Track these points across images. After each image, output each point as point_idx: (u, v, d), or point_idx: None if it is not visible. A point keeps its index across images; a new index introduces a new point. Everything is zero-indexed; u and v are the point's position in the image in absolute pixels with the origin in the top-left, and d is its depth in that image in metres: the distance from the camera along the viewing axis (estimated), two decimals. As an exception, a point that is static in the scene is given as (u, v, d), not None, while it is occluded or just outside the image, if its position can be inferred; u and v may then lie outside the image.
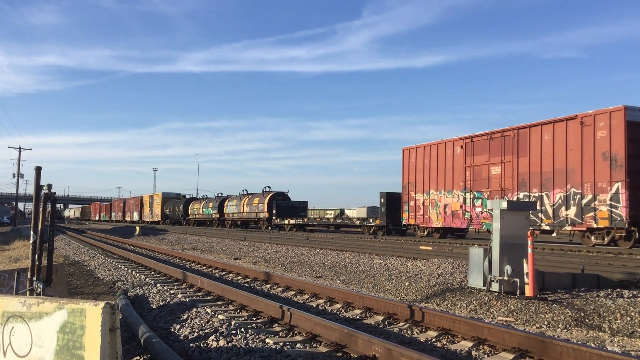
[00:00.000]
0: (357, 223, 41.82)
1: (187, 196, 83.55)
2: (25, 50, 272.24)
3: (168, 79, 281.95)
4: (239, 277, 14.14)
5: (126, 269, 16.14)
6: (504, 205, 10.47)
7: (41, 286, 7.23)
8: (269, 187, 56.44)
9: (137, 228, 45.95)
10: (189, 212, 72.28)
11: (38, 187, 7.54)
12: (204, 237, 34.57)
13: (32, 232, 7.40)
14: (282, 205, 52.41)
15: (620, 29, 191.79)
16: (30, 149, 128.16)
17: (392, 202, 35.37)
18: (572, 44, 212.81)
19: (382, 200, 36.21)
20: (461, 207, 27.97)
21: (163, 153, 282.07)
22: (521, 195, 24.02)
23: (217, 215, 63.52)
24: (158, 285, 12.34)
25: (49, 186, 7.56)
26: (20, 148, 76.27)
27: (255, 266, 17.15)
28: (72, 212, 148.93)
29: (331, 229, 49.67)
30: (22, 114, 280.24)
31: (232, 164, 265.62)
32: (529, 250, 9.88)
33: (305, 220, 49.38)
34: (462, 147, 28.03)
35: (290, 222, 49.27)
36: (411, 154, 32.17)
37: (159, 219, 79.88)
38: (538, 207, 22.96)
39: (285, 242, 27.34)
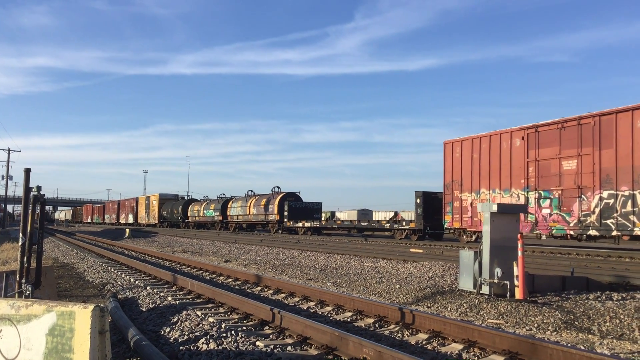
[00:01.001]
0: (387, 226, 37.08)
1: (186, 198, 79.91)
2: (16, 51, 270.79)
3: (160, 81, 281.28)
4: (230, 280, 14.10)
5: (116, 271, 16.06)
6: (494, 208, 10.51)
7: (30, 289, 7.19)
8: (278, 187, 52.46)
9: (127, 230, 45.76)
10: (189, 214, 68.38)
11: (27, 189, 7.50)
12: (194, 240, 34.46)
13: (21, 235, 7.36)
14: (295, 206, 48.15)
15: (611, 34, 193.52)
16: (20, 151, 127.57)
17: (430, 202, 31.48)
18: (563, 48, 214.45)
19: (418, 200, 31.93)
20: None
21: (154, 155, 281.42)
22: (605, 194, 20.37)
23: (220, 218, 59.61)
24: (148, 287, 12.29)
25: (38, 188, 7.52)
26: (9, 150, 75.79)
27: (246, 269, 17.11)
28: (63, 214, 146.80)
29: (353, 232, 44.68)
30: (11, 115, 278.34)
31: (224, 167, 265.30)
32: (519, 253, 9.92)
33: (323, 222, 45.24)
34: (523, 138, 23.90)
35: (305, 225, 44.87)
36: (455, 148, 27.87)
37: (156, 222, 75.73)
38: (629, 209, 19.64)
39: (276, 244, 27.30)
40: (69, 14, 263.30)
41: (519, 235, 10.25)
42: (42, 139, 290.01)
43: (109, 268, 17.07)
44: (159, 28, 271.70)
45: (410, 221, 33.97)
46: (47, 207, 11.08)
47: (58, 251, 26.66)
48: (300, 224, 45.33)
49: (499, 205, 10.62)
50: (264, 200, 51.47)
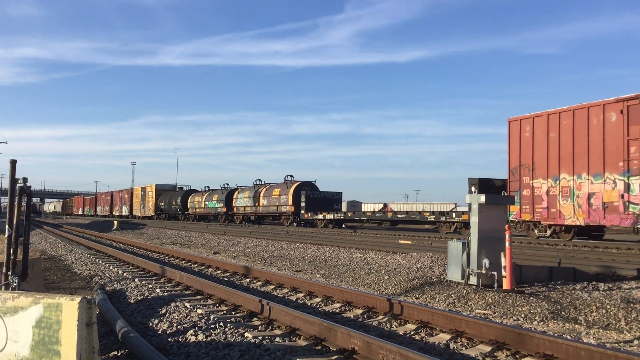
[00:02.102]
0: (431, 218, 31.59)
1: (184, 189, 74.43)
2: (3, 42, 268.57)
3: (148, 72, 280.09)
4: (218, 272, 14.08)
5: (104, 263, 15.99)
6: (483, 199, 10.56)
7: (16, 281, 7.13)
8: (291, 175, 47.91)
9: (115, 222, 45.53)
10: (188, 206, 64.32)
11: (13, 181, 7.42)
12: (183, 232, 34.38)
13: (7, 226, 7.30)
14: (312, 196, 43.73)
15: (600, 26, 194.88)
16: (6, 142, 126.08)
17: (488, 191, 25.65)
18: (552, 40, 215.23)
19: (473, 188, 24.67)
20: (621, 197, 19.67)
21: (142, 147, 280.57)
22: None
23: (224, 209, 55.37)
24: (136, 279, 12.25)
25: (24, 179, 7.45)
26: (-5, 141, 75.18)
27: (235, 260, 17.10)
28: (52, 206, 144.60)
29: (385, 225, 39.24)
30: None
31: (213, 158, 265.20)
32: (507, 243, 9.98)
33: (349, 214, 39.97)
34: (621, 111, 19.82)
35: (327, 217, 40.02)
36: (524, 127, 23.58)
37: (152, 214, 71.96)
38: None
39: (265, 236, 27.29)
40: (56, 4, 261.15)
41: (506, 226, 10.31)
42: (29, 130, 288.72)
43: (97, 260, 16.99)
44: (147, 18, 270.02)
45: (463, 213, 29.04)
46: (34, 199, 10.97)
47: (45, 243, 26.49)
48: (320, 216, 40.85)
49: (487, 196, 10.66)
50: (277, 190, 47.48)
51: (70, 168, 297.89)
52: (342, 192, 46.65)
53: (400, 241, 22.65)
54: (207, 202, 59.96)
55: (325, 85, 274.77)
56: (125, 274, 13.43)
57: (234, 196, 54.91)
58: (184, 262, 16.77)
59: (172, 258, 18.08)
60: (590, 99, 20.51)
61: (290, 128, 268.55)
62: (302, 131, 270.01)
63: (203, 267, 15.14)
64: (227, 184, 58.91)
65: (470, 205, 10.87)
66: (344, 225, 40.56)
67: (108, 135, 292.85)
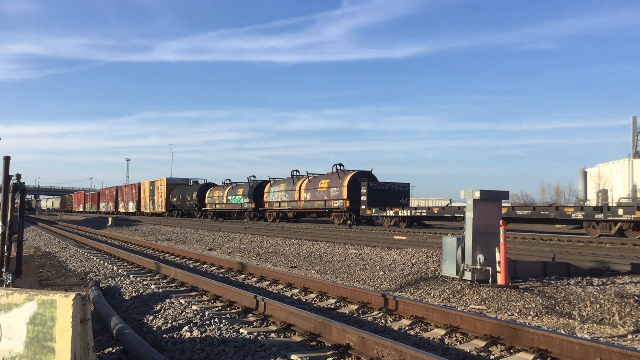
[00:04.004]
0: (577, 215, 22.28)
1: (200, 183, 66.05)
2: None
3: (144, 68, 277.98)
4: (214, 268, 14.08)
5: (98, 260, 15.95)
6: (477, 194, 10.57)
7: (10, 277, 7.11)
8: (341, 164, 39.54)
9: (110, 219, 45.48)
10: (206, 202, 57.37)
11: (7, 178, 7.40)
12: (178, 228, 34.33)
13: (0, 223, 7.27)
14: (375, 189, 35.85)
15: (596, 21, 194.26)
16: (0, 139, 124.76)
17: None
18: (549, 36, 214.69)
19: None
20: None
21: (137, 143, 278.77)
22: None
23: (252, 205, 48.41)
24: (131, 276, 12.22)
25: (18, 176, 7.43)
26: (-11, 138, 74.67)
27: (230, 257, 17.09)
28: (50, 202, 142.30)
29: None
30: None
31: (208, 155, 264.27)
32: (501, 239, 10.00)
33: (435, 210, 31.73)
34: None
35: (400, 214, 32.21)
36: None
37: (163, 210, 65.26)
38: None
39: (260, 232, 27.28)
40: (51, 0, 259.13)
41: (501, 222, 10.33)
42: (24, 127, 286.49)
43: (92, 257, 16.95)
44: (143, 14, 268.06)
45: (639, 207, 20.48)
46: (28, 196, 10.94)
47: (40, 240, 26.41)
48: (390, 212, 33.02)
49: (482, 191, 10.68)
50: (324, 181, 39.85)
51: (64, 165, 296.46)
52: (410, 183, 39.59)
53: (395, 237, 22.68)
54: (229, 197, 52.75)
55: (321, 81, 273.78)
56: (120, 270, 13.41)
57: (266, 190, 47.45)
58: (178, 258, 16.75)
59: (167, 254, 18.06)
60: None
61: (286, 124, 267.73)
62: (297, 127, 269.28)
63: (198, 264, 15.13)
64: (254, 177, 51.33)
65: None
66: (415, 224, 33.49)
67: (103, 132, 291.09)
